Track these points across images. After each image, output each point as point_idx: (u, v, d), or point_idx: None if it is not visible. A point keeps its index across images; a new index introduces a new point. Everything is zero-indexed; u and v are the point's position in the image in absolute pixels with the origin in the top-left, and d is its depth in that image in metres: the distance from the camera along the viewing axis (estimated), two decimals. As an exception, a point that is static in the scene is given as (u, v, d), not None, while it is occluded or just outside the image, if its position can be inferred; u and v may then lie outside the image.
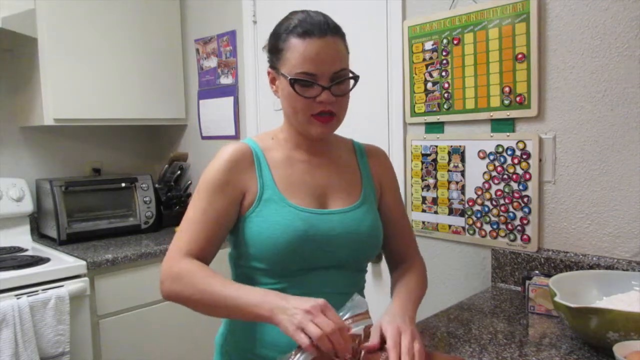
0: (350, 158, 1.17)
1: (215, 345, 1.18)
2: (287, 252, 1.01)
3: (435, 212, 1.73)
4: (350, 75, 1.04)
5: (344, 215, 1.07)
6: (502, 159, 1.55)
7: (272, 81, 1.07)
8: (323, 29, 0.98)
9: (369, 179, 1.16)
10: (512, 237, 1.55)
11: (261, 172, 1.06)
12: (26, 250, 2.19)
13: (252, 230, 1.03)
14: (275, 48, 1.03)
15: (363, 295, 1.11)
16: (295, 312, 0.84)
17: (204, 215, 1.02)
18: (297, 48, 0.98)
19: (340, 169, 1.13)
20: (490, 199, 1.58)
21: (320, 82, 0.99)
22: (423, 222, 1.76)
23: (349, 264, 1.08)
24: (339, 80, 1.01)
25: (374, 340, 0.90)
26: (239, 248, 1.08)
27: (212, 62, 2.58)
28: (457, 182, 1.66)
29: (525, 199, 1.51)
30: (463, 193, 1.65)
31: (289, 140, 1.11)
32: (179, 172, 2.70)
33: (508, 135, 1.53)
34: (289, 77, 0.99)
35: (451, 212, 1.69)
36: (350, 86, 1.05)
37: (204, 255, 1.02)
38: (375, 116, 1.88)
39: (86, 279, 1.94)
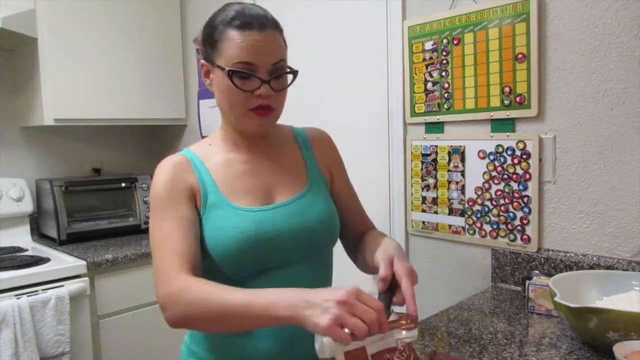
0: (292, 148, 1.13)
1: (180, 356, 1.12)
2: (241, 254, 0.96)
3: (435, 212, 1.73)
4: (289, 70, 1.01)
5: (290, 206, 1.03)
6: (502, 159, 1.55)
7: (206, 74, 1.03)
8: (263, 22, 0.96)
9: (314, 166, 1.12)
10: (512, 237, 1.54)
11: (201, 176, 1.02)
12: (26, 250, 2.19)
13: (204, 241, 0.99)
14: (210, 39, 1.00)
15: None
16: (328, 306, 0.73)
17: (171, 228, 0.95)
18: (235, 40, 0.95)
19: (283, 163, 1.09)
20: (490, 199, 1.58)
21: (259, 75, 0.96)
22: (423, 222, 1.76)
23: (309, 257, 1.04)
24: (278, 74, 0.99)
25: (388, 272, 0.87)
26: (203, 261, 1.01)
27: (212, 62, 2.58)
28: (457, 182, 1.66)
29: (525, 199, 1.51)
30: (463, 193, 1.65)
31: (227, 141, 1.07)
32: (179, 172, 2.70)
33: (508, 135, 1.53)
34: (227, 69, 0.96)
35: (451, 212, 1.69)
36: (289, 81, 1.03)
37: (193, 266, 0.94)
38: (375, 116, 1.88)
39: (86, 279, 1.94)
